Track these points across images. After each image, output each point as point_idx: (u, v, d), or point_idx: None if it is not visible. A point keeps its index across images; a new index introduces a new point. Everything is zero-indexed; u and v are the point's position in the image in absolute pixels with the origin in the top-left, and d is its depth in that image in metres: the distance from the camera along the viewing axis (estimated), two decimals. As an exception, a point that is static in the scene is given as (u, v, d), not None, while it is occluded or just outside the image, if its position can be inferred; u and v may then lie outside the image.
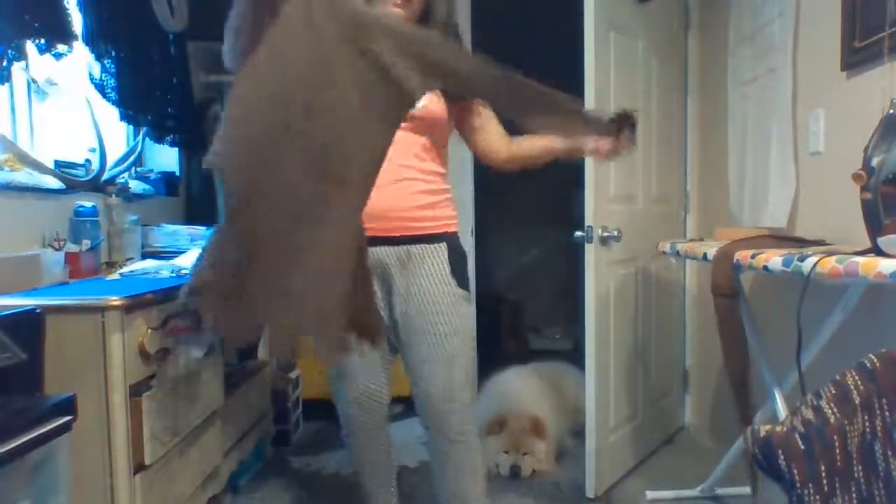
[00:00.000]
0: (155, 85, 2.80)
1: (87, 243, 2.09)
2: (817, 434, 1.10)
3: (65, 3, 2.10)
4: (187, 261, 2.32)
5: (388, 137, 1.37)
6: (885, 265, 1.21)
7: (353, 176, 1.32)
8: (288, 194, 1.28)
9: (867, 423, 1.10)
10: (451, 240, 1.71)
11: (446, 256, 1.67)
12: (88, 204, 2.21)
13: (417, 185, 1.64)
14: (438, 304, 1.64)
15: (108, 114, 2.57)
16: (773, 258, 1.50)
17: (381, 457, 1.83)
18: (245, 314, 1.33)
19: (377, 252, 1.63)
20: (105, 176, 2.42)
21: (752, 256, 1.59)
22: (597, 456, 2.33)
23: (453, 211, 1.75)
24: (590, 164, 2.27)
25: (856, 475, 1.10)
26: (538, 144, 1.71)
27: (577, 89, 2.27)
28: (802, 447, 1.10)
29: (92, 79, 2.46)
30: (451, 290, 1.65)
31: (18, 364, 1.26)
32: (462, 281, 1.69)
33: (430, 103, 1.65)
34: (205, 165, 1.26)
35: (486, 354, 3.24)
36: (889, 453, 1.09)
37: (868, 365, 1.12)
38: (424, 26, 1.62)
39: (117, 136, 2.79)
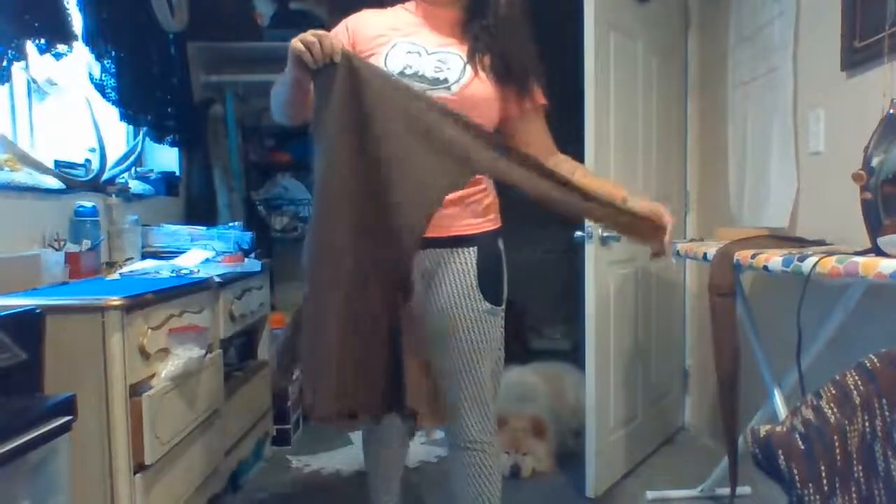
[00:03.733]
0: (155, 85, 2.80)
1: (87, 243, 2.09)
2: (817, 434, 1.10)
3: (65, 3, 2.10)
4: (187, 261, 2.32)
5: None
6: (885, 265, 1.21)
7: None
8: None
9: (867, 423, 1.10)
10: (484, 241, 1.52)
11: (475, 264, 1.49)
12: (88, 204, 2.21)
13: None
14: (459, 322, 1.48)
15: (108, 114, 2.57)
16: (773, 258, 1.50)
17: (397, 456, 1.82)
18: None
19: None
20: (105, 176, 2.42)
21: (752, 256, 1.59)
22: (597, 456, 2.33)
23: (488, 206, 1.56)
24: (590, 164, 2.27)
25: (856, 475, 1.10)
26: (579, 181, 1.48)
27: (577, 89, 2.28)
28: (802, 447, 1.10)
29: (92, 79, 2.46)
30: (476, 307, 1.49)
31: (18, 364, 1.26)
32: (491, 292, 1.52)
33: (470, 86, 1.45)
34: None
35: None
36: (889, 453, 1.09)
37: (868, 365, 1.12)
38: (481, 17, 1.47)
39: (117, 136, 2.79)
